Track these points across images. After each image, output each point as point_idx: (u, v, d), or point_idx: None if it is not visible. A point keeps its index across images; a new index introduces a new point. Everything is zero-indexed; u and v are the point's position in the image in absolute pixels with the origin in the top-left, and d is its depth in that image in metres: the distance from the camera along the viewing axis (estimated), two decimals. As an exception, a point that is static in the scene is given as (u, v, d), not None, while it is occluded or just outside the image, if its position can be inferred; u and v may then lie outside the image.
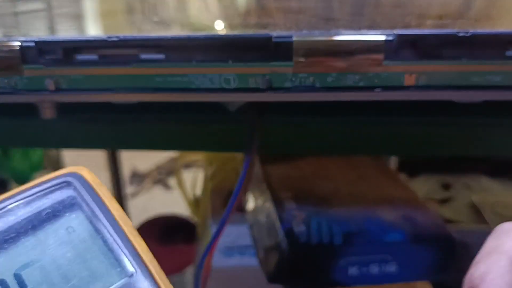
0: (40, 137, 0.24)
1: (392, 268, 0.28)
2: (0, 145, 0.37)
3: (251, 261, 0.36)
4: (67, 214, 0.15)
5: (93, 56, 0.20)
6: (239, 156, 0.43)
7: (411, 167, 0.53)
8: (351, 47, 0.19)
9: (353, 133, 0.22)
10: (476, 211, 0.45)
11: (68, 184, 0.15)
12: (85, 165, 0.16)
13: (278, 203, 0.32)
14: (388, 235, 0.28)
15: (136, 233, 0.15)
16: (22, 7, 0.33)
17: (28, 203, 0.15)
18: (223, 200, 0.40)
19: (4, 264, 0.14)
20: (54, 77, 0.20)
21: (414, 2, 0.29)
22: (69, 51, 0.20)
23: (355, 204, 0.32)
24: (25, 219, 0.15)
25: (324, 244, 0.28)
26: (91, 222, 0.15)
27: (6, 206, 0.15)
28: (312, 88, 0.20)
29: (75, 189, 0.15)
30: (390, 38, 0.19)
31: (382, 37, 0.19)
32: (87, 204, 0.15)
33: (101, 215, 0.15)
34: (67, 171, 0.16)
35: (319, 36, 0.19)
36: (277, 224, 0.29)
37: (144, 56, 0.20)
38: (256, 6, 0.32)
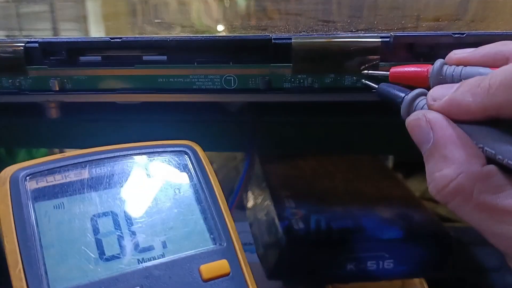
0: (45, 137, 0.24)
1: (388, 265, 0.28)
2: (5, 145, 0.36)
3: (251, 257, 0.36)
4: (177, 176, 0.17)
5: (96, 57, 0.20)
6: (239, 155, 0.43)
7: (407, 167, 0.52)
8: (348, 49, 0.19)
9: (351, 133, 0.22)
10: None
11: (183, 152, 0.17)
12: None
13: (277, 201, 0.32)
14: (385, 233, 0.29)
15: (228, 211, 0.16)
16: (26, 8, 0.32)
17: (148, 154, 0.17)
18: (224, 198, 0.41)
19: (117, 199, 0.16)
20: (58, 77, 0.20)
21: (412, 4, 0.29)
22: (73, 52, 0.20)
23: (352, 202, 0.32)
24: (142, 165, 0.17)
25: (322, 241, 0.28)
26: (195, 190, 0.17)
27: (129, 153, 0.17)
28: (310, 89, 0.20)
29: (189, 157, 0.17)
30: (387, 39, 0.19)
31: (379, 39, 0.19)
32: (195, 174, 0.17)
33: (205, 187, 0.17)
34: (183, 143, 0.18)
35: (317, 38, 0.19)
36: (277, 221, 0.30)
37: (146, 57, 0.20)
38: (256, 9, 0.32)
